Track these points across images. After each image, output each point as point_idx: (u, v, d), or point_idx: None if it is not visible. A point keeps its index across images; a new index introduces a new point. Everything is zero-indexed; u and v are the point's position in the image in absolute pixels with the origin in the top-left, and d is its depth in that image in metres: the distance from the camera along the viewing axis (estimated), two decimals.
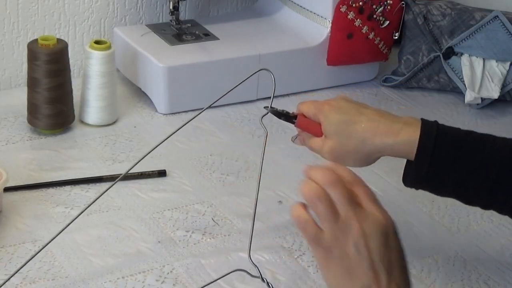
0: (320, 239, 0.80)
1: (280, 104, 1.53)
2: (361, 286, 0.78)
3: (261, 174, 1.04)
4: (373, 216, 0.80)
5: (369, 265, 0.78)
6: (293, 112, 1.10)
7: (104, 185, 1.24)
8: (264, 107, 1.11)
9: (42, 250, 1.09)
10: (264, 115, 1.09)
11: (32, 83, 1.35)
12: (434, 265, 1.13)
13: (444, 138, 0.98)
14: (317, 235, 0.80)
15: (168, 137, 1.09)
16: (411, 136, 0.99)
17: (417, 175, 0.99)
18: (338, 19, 1.54)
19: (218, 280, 1.06)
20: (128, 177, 1.26)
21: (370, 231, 0.79)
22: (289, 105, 1.53)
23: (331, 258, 0.80)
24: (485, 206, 1.01)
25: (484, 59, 1.57)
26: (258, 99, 1.54)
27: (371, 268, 0.78)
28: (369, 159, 1.04)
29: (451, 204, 1.24)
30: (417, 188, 1.02)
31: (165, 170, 1.29)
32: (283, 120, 1.10)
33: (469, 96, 1.55)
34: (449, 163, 0.97)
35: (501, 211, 1.00)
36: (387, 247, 0.79)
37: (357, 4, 1.53)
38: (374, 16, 1.56)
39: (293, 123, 1.10)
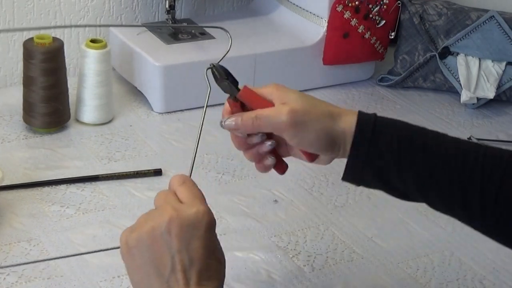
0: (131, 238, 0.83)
1: None
2: (164, 281, 0.81)
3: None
4: (185, 210, 0.82)
5: (170, 257, 0.80)
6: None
7: (99, 184, 1.24)
8: (211, 64, 0.97)
9: (38, 249, 1.09)
10: (208, 69, 0.97)
11: (27, 82, 1.35)
12: (429, 264, 1.13)
13: (381, 125, 0.92)
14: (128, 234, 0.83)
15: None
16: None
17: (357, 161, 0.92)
18: (334, 18, 1.54)
19: None
20: (124, 176, 1.26)
21: (177, 223, 0.81)
22: None
23: (138, 257, 0.82)
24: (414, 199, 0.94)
25: (480, 59, 1.57)
26: None
27: (171, 260, 0.80)
28: (328, 138, 0.92)
29: None
30: (357, 183, 0.95)
31: (161, 169, 1.28)
32: (225, 85, 0.96)
33: (465, 96, 1.55)
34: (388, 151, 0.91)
35: (434, 206, 0.94)
36: (189, 241, 0.81)
37: (353, 4, 1.54)
38: (370, 15, 1.56)
39: (236, 91, 0.95)
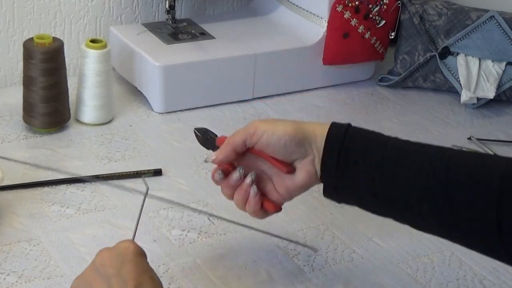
0: None
1: (278, 104, 1.54)
2: None
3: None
4: (113, 246, 0.90)
5: (108, 285, 0.86)
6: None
7: (100, 184, 1.24)
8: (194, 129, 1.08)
9: (38, 249, 1.09)
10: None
11: (27, 82, 1.35)
12: (429, 264, 1.13)
13: (352, 138, 0.96)
14: None
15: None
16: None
17: (328, 172, 0.96)
18: (334, 18, 1.54)
19: (213, 279, 1.06)
20: (124, 176, 1.26)
21: (107, 255, 0.89)
22: (285, 105, 1.54)
23: None
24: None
25: (480, 59, 1.57)
26: (253, 98, 1.54)
27: (108, 286, 0.86)
28: (297, 135, 0.98)
29: None
30: (338, 200, 0.99)
31: (160, 169, 1.28)
32: (203, 140, 1.07)
33: (465, 96, 1.55)
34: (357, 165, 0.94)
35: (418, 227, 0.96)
36: (120, 266, 0.87)
37: (353, 4, 1.54)
38: (370, 15, 1.56)
39: (214, 141, 1.06)
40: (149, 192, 1.02)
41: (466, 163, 0.90)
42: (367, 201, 0.96)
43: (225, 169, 1.03)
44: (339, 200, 0.99)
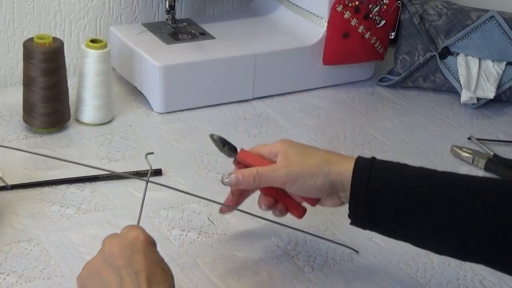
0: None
1: (278, 104, 1.54)
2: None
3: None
4: (122, 234, 0.89)
5: (118, 276, 0.85)
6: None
7: (99, 184, 1.24)
8: (210, 134, 1.10)
9: (38, 249, 1.09)
10: (148, 154, 1.11)
11: (27, 82, 1.35)
12: (429, 264, 1.13)
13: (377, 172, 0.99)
14: None
15: None
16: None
17: (356, 206, 0.99)
18: (334, 18, 1.54)
19: (213, 279, 1.06)
20: (124, 176, 1.26)
21: (117, 245, 0.87)
22: (285, 105, 1.54)
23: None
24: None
25: (480, 59, 1.57)
26: (253, 98, 1.54)
27: (119, 278, 0.85)
28: (326, 185, 1.01)
29: None
30: (364, 227, 1.02)
31: (161, 169, 1.28)
32: (225, 151, 1.08)
33: (465, 96, 1.55)
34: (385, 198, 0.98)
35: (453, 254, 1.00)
36: (131, 256, 0.86)
37: (353, 4, 1.54)
38: (370, 15, 1.56)
39: (234, 155, 1.07)
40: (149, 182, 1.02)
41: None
42: (395, 234, 1.01)
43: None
44: (366, 228, 1.02)
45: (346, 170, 0.99)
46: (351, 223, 1.02)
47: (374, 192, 0.97)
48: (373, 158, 1.00)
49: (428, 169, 0.99)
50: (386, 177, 0.98)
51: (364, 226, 1.01)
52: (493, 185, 0.94)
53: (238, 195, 1.10)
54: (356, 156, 1.01)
